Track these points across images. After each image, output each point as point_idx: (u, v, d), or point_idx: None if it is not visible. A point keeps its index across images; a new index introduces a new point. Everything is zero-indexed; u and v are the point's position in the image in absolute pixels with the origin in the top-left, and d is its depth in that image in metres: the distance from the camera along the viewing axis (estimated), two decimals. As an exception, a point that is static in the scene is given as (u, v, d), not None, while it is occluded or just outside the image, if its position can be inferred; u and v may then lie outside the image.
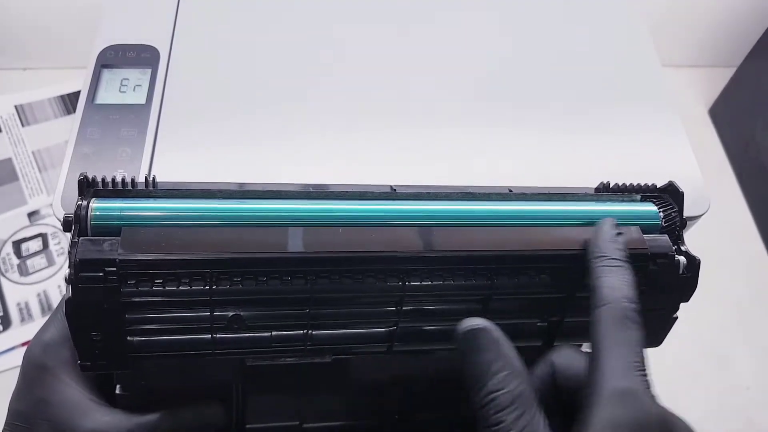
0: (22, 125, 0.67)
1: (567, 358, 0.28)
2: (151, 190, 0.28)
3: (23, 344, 0.55)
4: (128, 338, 0.25)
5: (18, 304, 0.58)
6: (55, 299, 0.58)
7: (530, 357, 0.34)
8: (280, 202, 0.28)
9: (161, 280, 0.25)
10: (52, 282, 0.59)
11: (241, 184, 0.29)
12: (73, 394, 0.27)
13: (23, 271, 0.59)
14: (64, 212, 0.32)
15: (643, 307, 0.29)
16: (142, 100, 0.36)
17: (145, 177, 0.28)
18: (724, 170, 0.74)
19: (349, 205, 0.28)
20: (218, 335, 0.26)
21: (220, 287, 0.25)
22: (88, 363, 0.25)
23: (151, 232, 0.25)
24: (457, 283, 0.27)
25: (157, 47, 0.38)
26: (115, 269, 0.24)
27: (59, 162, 0.64)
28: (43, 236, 0.61)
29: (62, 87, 0.69)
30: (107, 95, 0.36)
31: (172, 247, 0.25)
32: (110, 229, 0.25)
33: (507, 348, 0.24)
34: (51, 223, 0.62)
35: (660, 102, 0.41)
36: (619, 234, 0.28)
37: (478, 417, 0.24)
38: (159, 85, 0.37)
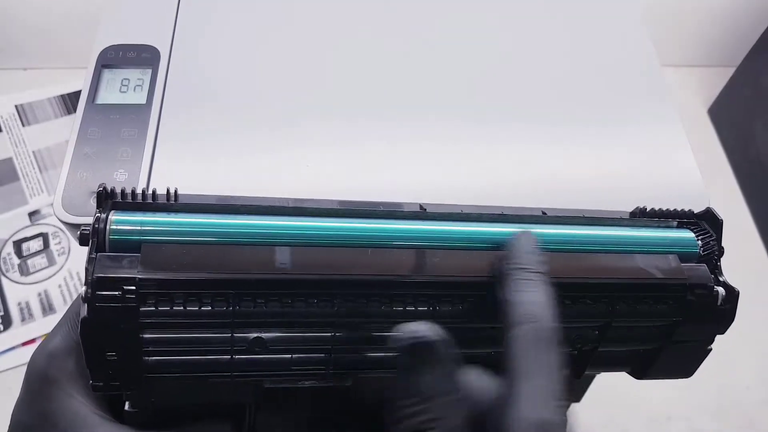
0: (23, 125, 0.67)
1: (478, 381, 0.25)
2: (172, 203, 0.26)
3: (24, 344, 0.55)
4: (144, 358, 0.25)
5: (19, 304, 0.58)
6: (56, 299, 0.58)
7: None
8: (306, 220, 0.27)
9: (182, 300, 0.24)
10: (53, 282, 0.59)
11: (265, 198, 0.28)
12: (78, 407, 0.26)
13: (24, 270, 0.59)
14: (66, 213, 0.32)
15: (678, 338, 0.29)
16: (143, 100, 0.36)
17: (167, 189, 0.27)
18: (723, 170, 0.74)
19: (379, 224, 0.27)
20: (237, 356, 0.26)
21: (242, 308, 0.24)
22: (101, 383, 0.24)
23: (173, 249, 0.24)
24: (489, 311, 0.26)
25: (157, 47, 0.38)
26: (134, 288, 0.23)
27: (60, 162, 0.64)
28: (44, 236, 0.61)
29: (63, 87, 0.70)
30: (108, 95, 0.36)
31: (195, 266, 0.24)
32: (129, 243, 0.24)
33: (452, 368, 0.23)
34: (52, 223, 0.62)
35: (659, 102, 0.41)
36: (537, 248, 0.26)
37: (399, 428, 0.22)
38: (159, 85, 0.37)
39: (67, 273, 0.59)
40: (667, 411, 0.58)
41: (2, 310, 0.57)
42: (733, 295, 0.29)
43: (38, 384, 0.26)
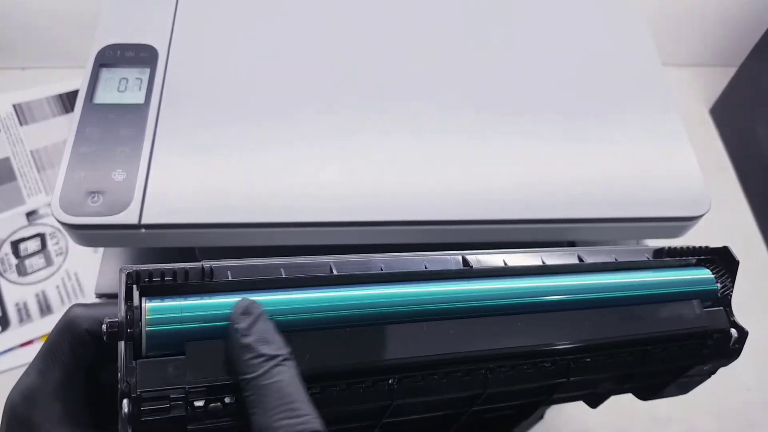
0: (21, 124, 0.67)
1: None
2: (208, 282, 0.23)
3: (22, 345, 0.55)
4: None
5: (17, 305, 0.57)
6: (54, 299, 0.58)
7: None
8: (349, 290, 0.25)
9: (233, 399, 0.22)
10: (51, 282, 0.59)
11: (304, 265, 0.25)
12: None
13: (21, 271, 0.59)
14: (64, 214, 0.32)
15: (690, 373, 0.31)
16: (141, 100, 0.36)
17: (202, 266, 0.24)
18: (724, 170, 0.74)
19: (427, 288, 0.26)
20: None
21: None
22: None
23: (220, 346, 0.22)
24: (536, 372, 0.27)
25: (155, 47, 0.38)
26: (182, 396, 0.21)
27: (58, 161, 0.64)
28: (42, 236, 0.61)
29: (61, 86, 0.69)
30: (106, 95, 0.36)
31: None
32: (170, 337, 0.21)
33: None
34: (49, 223, 0.62)
35: (661, 101, 0.41)
36: (247, 325, 0.22)
37: None
38: (157, 85, 0.36)
39: (65, 273, 0.59)
40: (668, 412, 0.58)
41: (0, 311, 0.57)
42: (743, 336, 0.30)
43: (20, 429, 0.24)
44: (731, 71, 0.75)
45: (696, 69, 0.81)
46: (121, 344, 0.21)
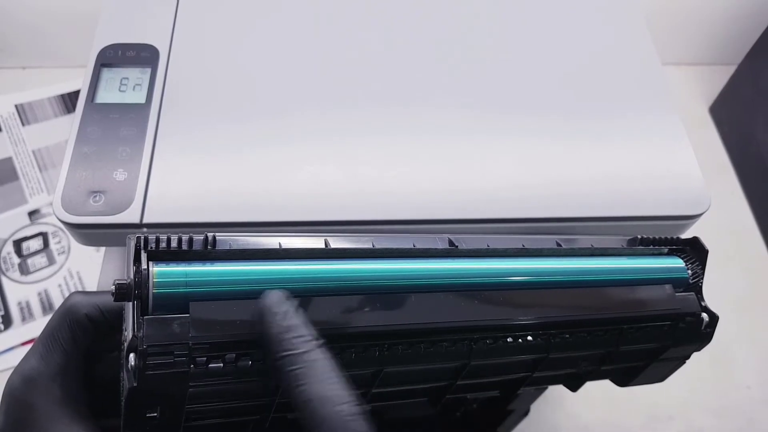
0: (23, 124, 0.67)
1: None
2: (210, 250, 0.25)
3: (24, 344, 0.56)
4: (186, 409, 0.24)
5: (19, 303, 0.58)
6: (56, 298, 0.58)
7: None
8: (345, 263, 0.26)
9: (234, 356, 0.23)
10: (53, 281, 0.59)
11: (306, 250, 0.27)
12: None
13: (24, 270, 0.59)
14: (66, 213, 0.32)
15: (663, 356, 0.32)
16: (142, 100, 0.36)
17: (205, 235, 0.25)
18: (724, 169, 0.74)
19: (415, 265, 0.27)
20: (277, 400, 0.26)
21: None
22: None
23: (222, 307, 0.23)
24: (517, 346, 0.29)
25: (156, 46, 0.38)
26: (186, 352, 0.22)
27: (59, 161, 0.64)
28: (44, 235, 0.61)
29: (62, 86, 0.69)
30: (107, 94, 0.36)
31: (247, 324, 0.23)
32: (175, 298, 0.23)
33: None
34: (51, 222, 0.62)
35: (660, 100, 0.41)
36: (287, 310, 0.23)
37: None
38: (159, 85, 0.37)
39: (67, 272, 0.59)
40: (668, 410, 0.58)
41: (2, 309, 0.57)
42: (714, 320, 0.31)
43: (21, 413, 0.24)
44: (731, 69, 0.75)
45: (695, 67, 0.81)
46: (129, 305, 0.23)
